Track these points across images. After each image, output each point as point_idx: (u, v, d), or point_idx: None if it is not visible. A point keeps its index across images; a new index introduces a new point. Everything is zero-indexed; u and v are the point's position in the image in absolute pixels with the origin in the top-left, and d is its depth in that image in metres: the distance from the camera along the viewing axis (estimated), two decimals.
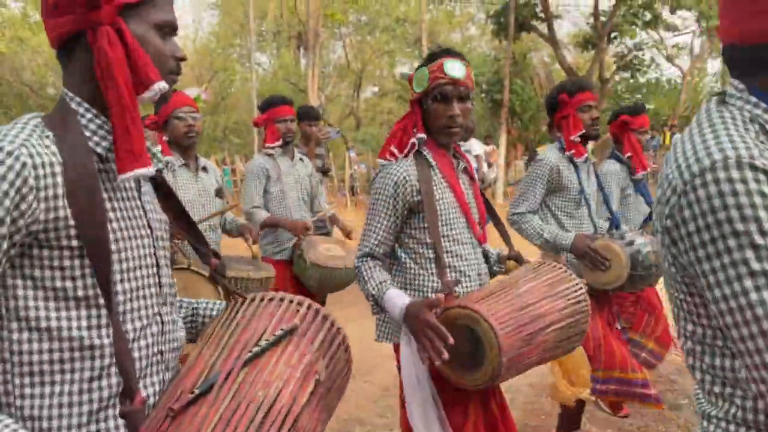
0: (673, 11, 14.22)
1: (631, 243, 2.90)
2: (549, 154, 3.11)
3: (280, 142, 3.78)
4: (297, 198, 3.90)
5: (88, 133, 1.09)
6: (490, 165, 6.89)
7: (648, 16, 14.13)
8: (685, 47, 23.06)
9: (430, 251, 2.03)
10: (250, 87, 19.53)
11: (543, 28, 15.39)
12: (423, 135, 2.05)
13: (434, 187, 2.02)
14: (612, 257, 2.87)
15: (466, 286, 2.06)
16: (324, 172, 5.36)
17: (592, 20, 15.20)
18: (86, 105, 1.11)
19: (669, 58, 20.94)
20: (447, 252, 2.03)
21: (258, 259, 3.24)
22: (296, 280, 3.63)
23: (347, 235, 4.19)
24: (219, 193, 3.28)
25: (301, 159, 4.03)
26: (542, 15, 14.99)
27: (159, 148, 2.97)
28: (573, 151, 3.06)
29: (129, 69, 1.08)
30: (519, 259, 2.21)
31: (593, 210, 3.15)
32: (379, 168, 2.11)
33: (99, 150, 1.10)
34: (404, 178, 1.99)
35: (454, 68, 2.00)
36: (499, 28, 15.58)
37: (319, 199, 4.14)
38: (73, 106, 1.10)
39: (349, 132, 25.04)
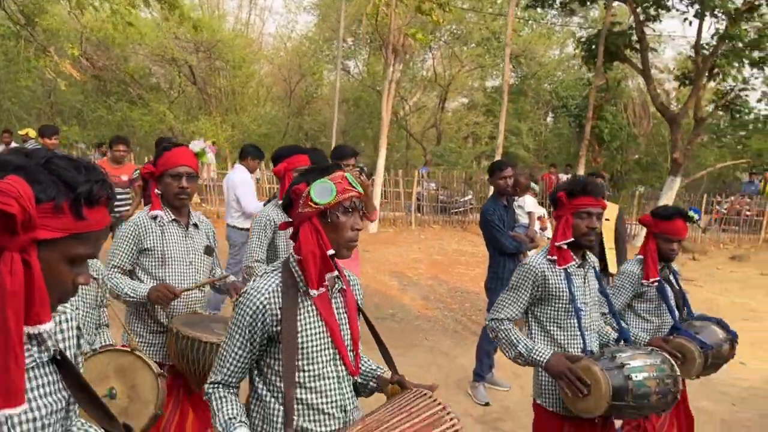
0: None
1: (621, 366, 2.54)
2: (535, 257, 2.86)
3: None
4: None
5: None
6: (543, 229, 6.51)
7: (755, 55, 12.97)
8: None
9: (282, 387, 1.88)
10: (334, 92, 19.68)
11: (637, 58, 14.50)
12: (331, 251, 1.88)
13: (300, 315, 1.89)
14: (592, 383, 2.53)
15: (327, 425, 1.91)
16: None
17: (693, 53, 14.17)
18: None
19: None
20: (306, 388, 1.89)
21: None
22: None
23: None
24: (208, 250, 3.18)
25: None
26: (637, 45, 14.12)
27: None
28: (555, 257, 2.79)
29: (24, 301, 1.05)
30: (402, 384, 1.99)
31: (583, 322, 2.82)
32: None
33: None
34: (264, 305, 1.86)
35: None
36: (589, 56, 14.85)
37: None
38: None
39: (430, 144, 24.82)
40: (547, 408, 2.86)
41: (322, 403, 1.90)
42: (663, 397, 2.57)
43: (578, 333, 2.81)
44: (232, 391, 1.93)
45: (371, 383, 2.13)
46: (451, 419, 1.78)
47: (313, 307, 1.91)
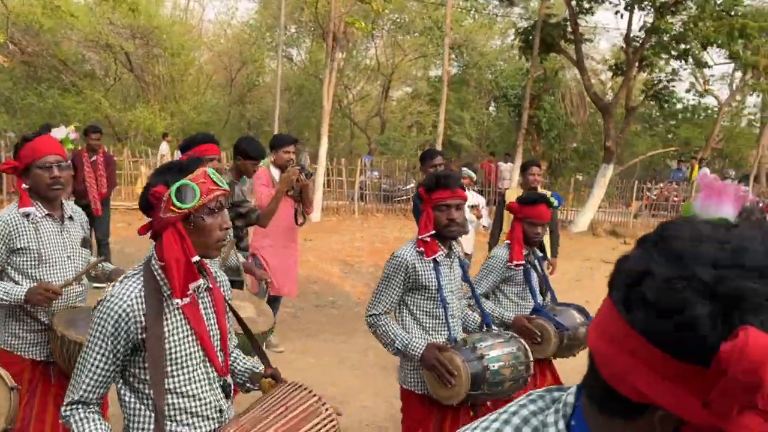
0: (704, 47, 13.61)
1: (480, 357, 2.73)
2: (404, 249, 2.95)
3: None
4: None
5: None
6: (479, 217, 6.64)
7: (680, 47, 13.56)
8: (726, 78, 22.24)
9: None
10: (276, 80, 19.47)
11: (572, 49, 14.95)
12: (196, 257, 1.78)
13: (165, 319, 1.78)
14: (456, 373, 2.69)
15: (202, 427, 1.86)
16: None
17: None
18: None
19: (702, 94, 20.12)
20: (177, 393, 1.81)
21: None
22: None
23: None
24: (85, 242, 3.02)
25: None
26: (572, 37, 14.54)
27: None
28: (423, 249, 2.89)
29: None
30: (276, 377, 1.99)
31: (449, 311, 2.95)
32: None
33: None
34: (127, 312, 1.74)
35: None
36: (526, 47, 15.19)
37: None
38: None
39: (374, 132, 24.90)
40: (415, 391, 2.94)
41: (195, 407, 1.83)
42: (515, 383, 2.83)
43: (444, 321, 2.93)
44: (92, 409, 1.78)
45: (247, 383, 2.08)
46: (326, 410, 1.80)
47: (179, 311, 1.81)
